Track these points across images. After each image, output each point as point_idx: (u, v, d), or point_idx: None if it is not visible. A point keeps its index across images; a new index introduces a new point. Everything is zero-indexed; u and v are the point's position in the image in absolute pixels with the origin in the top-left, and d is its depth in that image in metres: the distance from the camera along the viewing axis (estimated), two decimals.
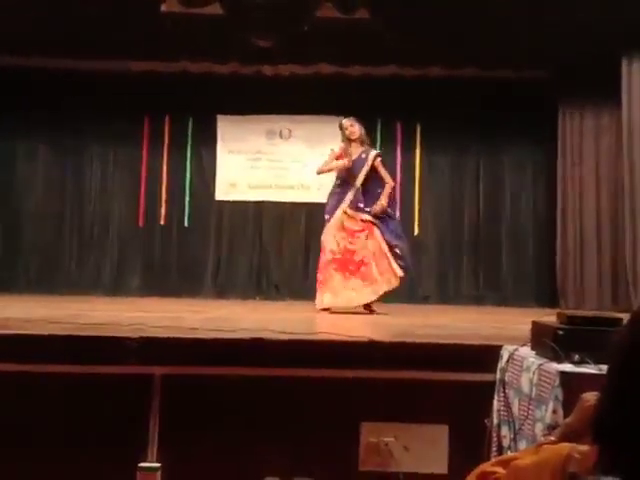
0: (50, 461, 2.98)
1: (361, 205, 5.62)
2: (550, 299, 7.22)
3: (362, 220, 5.60)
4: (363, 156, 5.73)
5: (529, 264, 7.65)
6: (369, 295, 5.55)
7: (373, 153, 5.81)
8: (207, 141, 7.86)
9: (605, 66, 6.75)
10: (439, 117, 7.60)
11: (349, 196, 5.62)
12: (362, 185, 5.66)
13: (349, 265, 5.54)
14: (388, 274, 5.57)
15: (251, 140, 7.90)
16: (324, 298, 5.53)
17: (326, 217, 5.69)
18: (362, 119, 7.61)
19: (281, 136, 7.89)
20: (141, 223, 7.76)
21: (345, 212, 5.62)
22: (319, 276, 5.65)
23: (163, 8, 6.37)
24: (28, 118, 7.64)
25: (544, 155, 7.69)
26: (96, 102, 7.54)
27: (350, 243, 5.57)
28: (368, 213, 5.59)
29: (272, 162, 7.90)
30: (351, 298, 5.52)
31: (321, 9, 6.16)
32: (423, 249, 7.71)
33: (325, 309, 5.49)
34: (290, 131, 7.90)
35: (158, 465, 2.95)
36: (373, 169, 5.71)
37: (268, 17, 6.21)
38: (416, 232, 7.74)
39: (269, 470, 1.87)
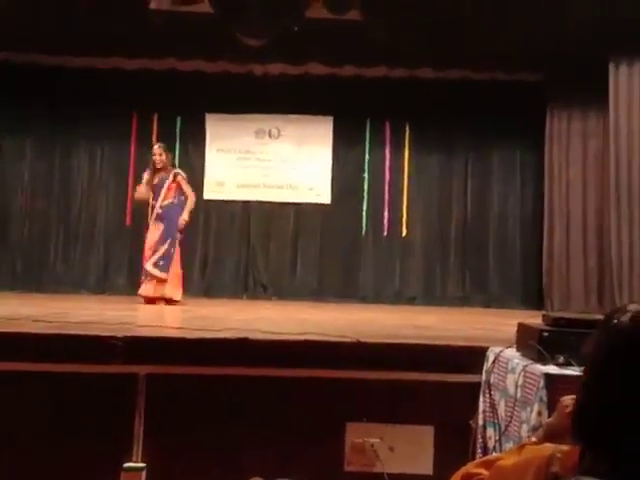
0: (34, 460, 2.95)
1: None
2: (536, 300, 7.26)
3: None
4: (165, 177, 6.23)
5: (516, 265, 7.68)
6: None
7: (173, 173, 6.27)
8: (195, 140, 7.83)
9: (593, 69, 6.80)
10: (428, 118, 7.62)
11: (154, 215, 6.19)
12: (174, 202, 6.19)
13: None
14: None
15: (240, 139, 7.87)
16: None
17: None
18: (351, 119, 7.72)
19: (270, 135, 7.88)
20: (128, 222, 7.72)
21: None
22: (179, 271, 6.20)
23: (152, 5, 6.33)
24: (16, 114, 7.57)
25: (532, 157, 7.72)
26: (84, 99, 7.48)
27: None
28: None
29: (261, 161, 7.89)
30: None
31: (312, 9, 6.16)
32: (410, 250, 7.73)
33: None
34: (279, 130, 7.89)
35: (143, 465, 2.94)
36: (177, 185, 6.25)
37: (258, 16, 6.20)
38: (404, 233, 7.75)
39: (254, 470, 1.87)
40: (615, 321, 1.01)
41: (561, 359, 2.21)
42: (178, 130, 7.82)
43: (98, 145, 7.80)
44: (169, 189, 6.19)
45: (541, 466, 1.05)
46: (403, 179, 7.81)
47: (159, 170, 6.24)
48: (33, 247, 7.65)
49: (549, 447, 1.11)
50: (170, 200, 6.18)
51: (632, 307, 1.02)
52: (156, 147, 6.39)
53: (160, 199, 6.16)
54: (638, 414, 0.94)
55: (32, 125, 7.67)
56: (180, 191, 6.25)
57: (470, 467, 1.29)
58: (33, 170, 7.78)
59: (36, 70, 7.44)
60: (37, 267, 7.60)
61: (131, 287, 7.40)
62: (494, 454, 2.27)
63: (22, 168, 7.76)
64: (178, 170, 6.37)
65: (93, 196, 7.80)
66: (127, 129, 7.76)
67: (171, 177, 6.23)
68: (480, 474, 1.24)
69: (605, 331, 1.02)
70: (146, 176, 6.29)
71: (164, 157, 6.27)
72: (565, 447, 1.06)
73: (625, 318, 1.00)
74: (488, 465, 1.25)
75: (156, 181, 6.23)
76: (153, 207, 6.23)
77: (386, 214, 7.77)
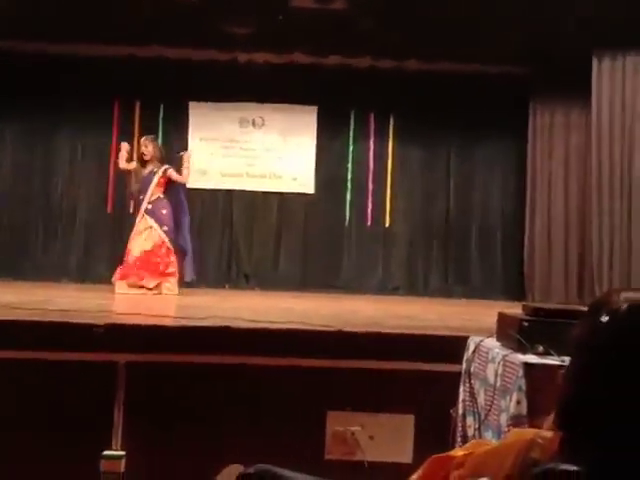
0: (11, 447, 2.93)
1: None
2: (518, 293, 7.30)
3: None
4: (155, 170, 6.17)
5: (497, 258, 7.73)
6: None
7: (163, 168, 6.20)
8: (178, 128, 7.76)
9: (576, 64, 6.84)
10: (413, 110, 7.62)
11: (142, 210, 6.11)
12: (160, 197, 6.16)
13: None
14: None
15: (223, 128, 7.83)
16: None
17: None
18: (336, 109, 7.70)
19: (254, 125, 7.84)
20: (109, 209, 7.65)
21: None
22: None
23: None
24: None
25: (515, 150, 7.76)
26: (66, 86, 7.39)
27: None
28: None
29: (244, 150, 7.85)
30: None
31: None
32: (393, 241, 7.75)
33: None
34: (263, 120, 7.85)
35: (122, 453, 2.93)
36: (168, 181, 6.22)
37: (243, 4, 6.16)
38: (387, 224, 7.77)
39: (234, 458, 1.86)
40: (606, 311, 0.99)
41: (540, 349, 2.24)
42: (161, 118, 7.75)
43: (79, 132, 7.70)
44: (158, 184, 6.15)
45: (521, 450, 1.05)
46: (387, 170, 7.81)
47: (147, 162, 6.18)
48: (13, 234, 7.57)
49: (531, 431, 1.12)
50: (158, 195, 6.15)
51: (624, 296, 1.00)
52: (142, 139, 6.34)
53: (149, 194, 6.11)
54: (623, 405, 0.94)
55: (12, 112, 7.55)
56: (166, 185, 6.20)
57: (451, 452, 1.29)
58: (13, 157, 7.68)
59: (15, 57, 7.31)
60: (17, 255, 7.51)
61: (112, 275, 7.35)
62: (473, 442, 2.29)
63: (2, 155, 7.66)
64: (168, 166, 6.28)
65: (74, 184, 7.71)
66: (108, 116, 7.66)
67: (161, 172, 6.17)
68: (455, 457, 1.24)
69: (595, 320, 1.00)
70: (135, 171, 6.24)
71: (150, 149, 6.21)
72: (547, 433, 1.06)
73: (618, 308, 0.99)
74: (472, 447, 1.25)
75: (145, 174, 6.17)
76: (140, 201, 6.15)
77: (370, 205, 7.78)
